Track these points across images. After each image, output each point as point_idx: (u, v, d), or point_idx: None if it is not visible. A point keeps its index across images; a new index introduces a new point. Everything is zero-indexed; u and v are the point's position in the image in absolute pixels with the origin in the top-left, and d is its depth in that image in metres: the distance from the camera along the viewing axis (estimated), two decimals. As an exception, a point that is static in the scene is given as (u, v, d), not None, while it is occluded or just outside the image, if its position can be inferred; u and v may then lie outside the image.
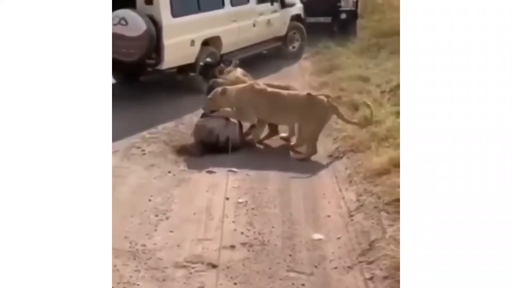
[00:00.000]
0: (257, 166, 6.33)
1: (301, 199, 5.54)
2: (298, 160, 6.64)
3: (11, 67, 2.73)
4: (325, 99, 6.75)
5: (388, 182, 5.31)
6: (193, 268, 4.32)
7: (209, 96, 6.98)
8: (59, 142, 2.78)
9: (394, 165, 5.56)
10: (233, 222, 5.04)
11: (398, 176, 5.33)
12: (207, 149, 6.72)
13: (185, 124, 7.71)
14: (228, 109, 6.94)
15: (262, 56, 10.65)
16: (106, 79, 3.01)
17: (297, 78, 9.79)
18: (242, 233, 4.85)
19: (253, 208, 5.31)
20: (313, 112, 6.65)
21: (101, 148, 2.89)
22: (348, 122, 6.91)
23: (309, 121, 6.65)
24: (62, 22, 2.86)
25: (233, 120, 6.92)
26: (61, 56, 2.84)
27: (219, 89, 6.95)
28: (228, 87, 6.98)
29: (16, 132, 2.72)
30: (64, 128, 2.80)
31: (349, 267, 4.33)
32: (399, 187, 5.08)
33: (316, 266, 4.35)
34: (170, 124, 7.71)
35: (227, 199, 5.50)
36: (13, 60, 2.74)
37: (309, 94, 6.80)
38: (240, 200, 5.47)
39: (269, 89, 6.91)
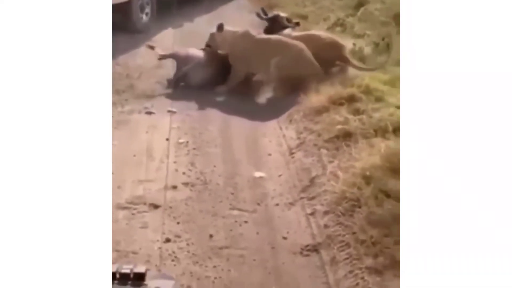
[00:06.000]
0: (199, 106, 6.29)
1: (242, 139, 5.54)
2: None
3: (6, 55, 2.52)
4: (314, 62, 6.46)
5: (328, 120, 5.36)
6: (135, 209, 4.29)
7: None
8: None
9: (333, 102, 5.62)
10: (174, 162, 5.00)
11: (337, 113, 5.41)
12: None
13: (121, 65, 7.48)
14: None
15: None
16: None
17: (233, 18, 9.60)
18: (183, 173, 4.82)
19: (194, 148, 5.28)
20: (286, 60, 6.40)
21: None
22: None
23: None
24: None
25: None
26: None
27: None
28: (224, 25, 6.88)
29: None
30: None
31: (290, 203, 4.40)
32: (338, 124, 5.18)
33: (258, 204, 4.40)
34: (105, 65, 7.47)
35: (167, 139, 5.45)
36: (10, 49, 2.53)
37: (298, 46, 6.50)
38: (181, 141, 5.42)
39: (258, 36, 6.74)
